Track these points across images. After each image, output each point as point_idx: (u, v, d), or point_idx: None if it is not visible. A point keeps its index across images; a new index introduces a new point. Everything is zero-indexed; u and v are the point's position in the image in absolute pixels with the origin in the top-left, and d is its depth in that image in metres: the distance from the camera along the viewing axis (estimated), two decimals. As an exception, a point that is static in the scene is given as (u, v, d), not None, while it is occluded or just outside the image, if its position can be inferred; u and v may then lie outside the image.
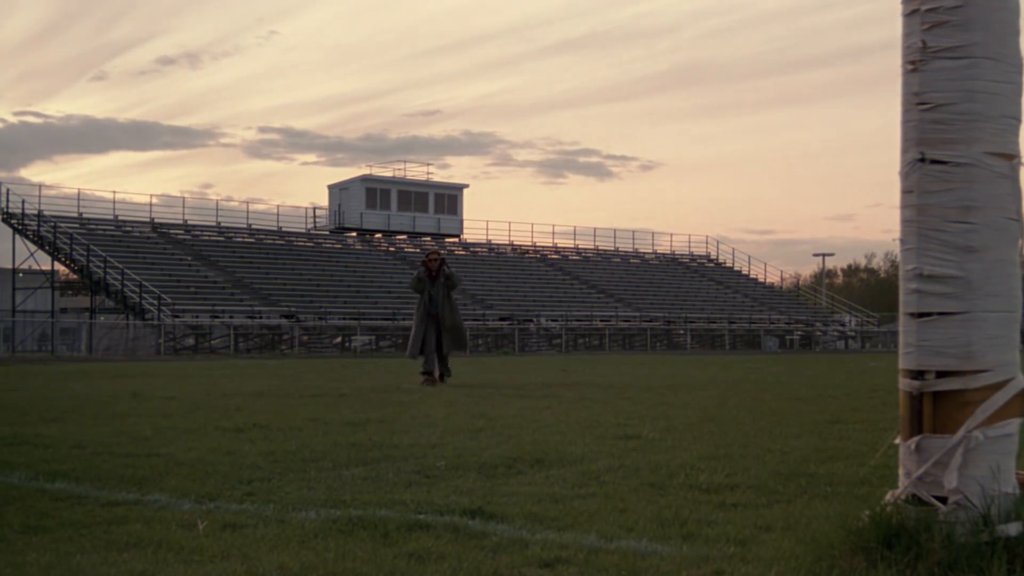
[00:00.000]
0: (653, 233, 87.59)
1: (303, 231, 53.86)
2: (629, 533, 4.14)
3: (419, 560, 3.70)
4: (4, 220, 42.61)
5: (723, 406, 10.76)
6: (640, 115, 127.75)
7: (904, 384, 3.63)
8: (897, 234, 3.71)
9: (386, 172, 58.11)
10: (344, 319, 42.04)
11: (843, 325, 60.24)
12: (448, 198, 57.87)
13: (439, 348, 14.98)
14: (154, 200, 78.23)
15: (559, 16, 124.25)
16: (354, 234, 54.26)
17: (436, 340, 14.93)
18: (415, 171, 59.65)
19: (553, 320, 48.30)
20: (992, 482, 3.45)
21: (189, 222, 49.36)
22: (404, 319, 39.77)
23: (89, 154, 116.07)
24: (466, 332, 16.10)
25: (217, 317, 39.24)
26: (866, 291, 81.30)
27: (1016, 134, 3.64)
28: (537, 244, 59.76)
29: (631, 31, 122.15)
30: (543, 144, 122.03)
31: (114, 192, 79.23)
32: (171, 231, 47.79)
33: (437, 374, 14.92)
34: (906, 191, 3.67)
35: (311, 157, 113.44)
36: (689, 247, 65.65)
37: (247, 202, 61.78)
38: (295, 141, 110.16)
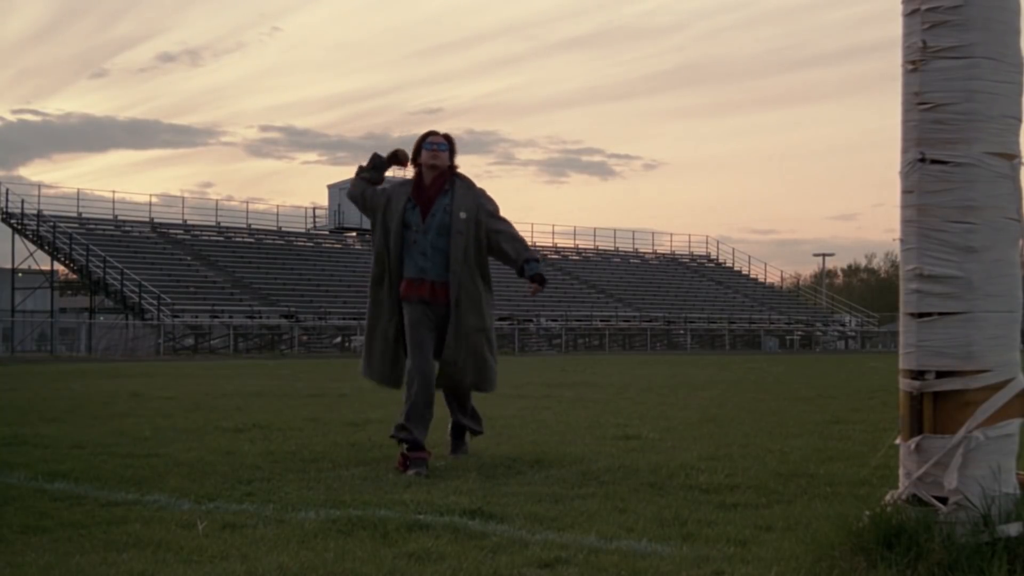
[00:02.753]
0: (653, 233, 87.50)
1: (303, 231, 53.85)
2: (629, 533, 4.14)
3: (419, 560, 3.70)
4: (3, 220, 42.56)
5: (723, 406, 10.76)
6: (643, 114, 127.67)
7: (904, 384, 3.63)
8: (899, 234, 3.71)
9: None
10: (344, 319, 42.00)
11: (843, 325, 60.22)
12: (448, 198, 57.66)
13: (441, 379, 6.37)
14: (154, 200, 78.31)
15: (562, 14, 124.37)
16: (354, 234, 54.19)
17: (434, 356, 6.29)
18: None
19: (553, 320, 48.27)
20: (992, 482, 3.45)
21: (189, 222, 49.34)
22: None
23: (88, 153, 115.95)
24: (494, 353, 6.55)
25: (217, 317, 39.22)
26: (866, 291, 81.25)
27: (1016, 134, 3.64)
28: (537, 244, 59.67)
29: (635, 30, 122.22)
30: (546, 143, 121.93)
31: (113, 192, 79.05)
32: (171, 231, 47.76)
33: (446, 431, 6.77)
34: (906, 191, 3.67)
35: (312, 156, 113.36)
36: (689, 247, 65.66)
37: (247, 202, 61.86)
38: (296, 140, 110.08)
